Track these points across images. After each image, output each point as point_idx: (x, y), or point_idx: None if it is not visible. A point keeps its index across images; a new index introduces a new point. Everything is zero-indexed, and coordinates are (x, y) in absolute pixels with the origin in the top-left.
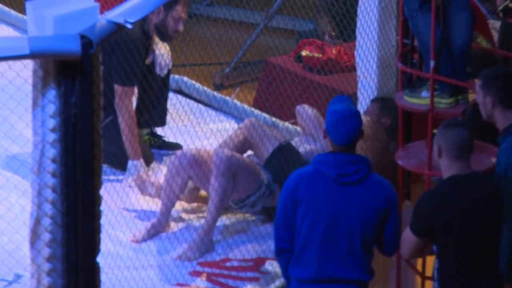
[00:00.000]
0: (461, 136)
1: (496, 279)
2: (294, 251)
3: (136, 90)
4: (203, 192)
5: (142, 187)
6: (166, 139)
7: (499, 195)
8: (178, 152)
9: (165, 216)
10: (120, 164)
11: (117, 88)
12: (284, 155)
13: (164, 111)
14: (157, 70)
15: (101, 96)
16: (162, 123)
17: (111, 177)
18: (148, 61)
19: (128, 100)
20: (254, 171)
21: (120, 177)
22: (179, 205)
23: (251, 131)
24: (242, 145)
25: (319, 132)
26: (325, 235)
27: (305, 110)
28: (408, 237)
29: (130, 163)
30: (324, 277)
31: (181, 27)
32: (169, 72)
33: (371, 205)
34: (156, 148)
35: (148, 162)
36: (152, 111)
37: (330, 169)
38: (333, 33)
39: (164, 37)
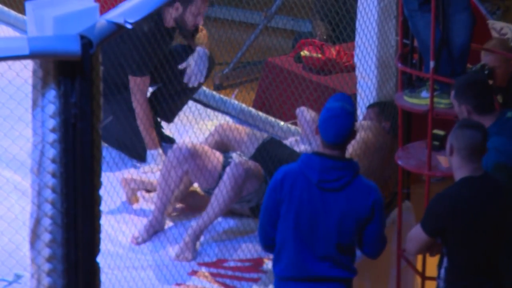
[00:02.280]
0: (474, 138)
1: (505, 280)
2: (275, 248)
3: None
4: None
5: (129, 190)
6: (163, 131)
7: (509, 197)
8: (174, 146)
9: (161, 211)
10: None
11: (130, 79)
12: (269, 150)
13: (176, 110)
14: (185, 79)
15: (101, 96)
16: (167, 119)
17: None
18: (182, 66)
19: (141, 92)
20: (259, 175)
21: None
22: (178, 205)
23: (223, 136)
24: (218, 149)
25: (316, 137)
26: (302, 236)
27: (305, 113)
28: (418, 235)
29: (148, 153)
30: (303, 275)
31: (201, 21)
32: (204, 78)
33: (351, 213)
34: None
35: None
36: (164, 104)
37: (313, 174)
38: (324, 37)
39: (183, 32)
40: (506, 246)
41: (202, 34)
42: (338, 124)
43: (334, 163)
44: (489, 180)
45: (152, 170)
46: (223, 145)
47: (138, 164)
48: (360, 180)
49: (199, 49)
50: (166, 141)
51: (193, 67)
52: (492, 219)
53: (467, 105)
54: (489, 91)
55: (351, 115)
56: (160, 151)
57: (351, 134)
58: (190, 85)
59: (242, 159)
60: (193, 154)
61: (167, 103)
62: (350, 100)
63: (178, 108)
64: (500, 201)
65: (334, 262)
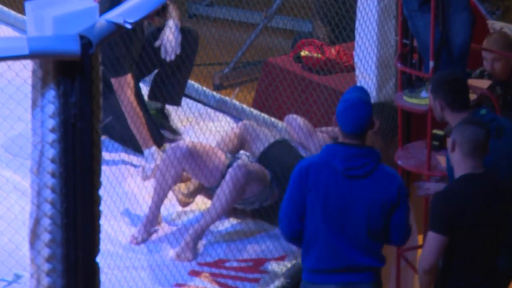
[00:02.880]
0: (477, 134)
1: (503, 279)
2: (303, 241)
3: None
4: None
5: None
6: (172, 122)
7: (509, 196)
8: (173, 144)
9: (158, 205)
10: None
11: (113, 82)
12: (280, 149)
13: (179, 90)
14: (162, 55)
15: (101, 96)
16: (175, 102)
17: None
18: (157, 44)
19: (124, 91)
20: (264, 178)
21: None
22: (179, 206)
23: (245, 133)
24: (236, 146)
25: (309, 140)
26: (333, 226)
27: (295, 120)
28: (433, 241)
29: (146, 152)
30: (336, 265)
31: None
32: (193, 53)
33: (377, 198)
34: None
35: (157, 144)
36: (166, 88)
37: (338, 162)
38: (326, 40)
39: (148, 16)
40: (505, 246)
41: (170, 8)
42: (356, 114)
43: (357, 150)
44: (490, 178)
45: (153, 170)
46: (241, 142)
47: (136, 159)
48: (383, 167)
49: (168, 22)
50: (170, 132)
51: (165, 41)
52: (492, 218)
53: (441, 100)
54: (465, 89)
55: (368, 104)
56: (156, 147)
57: (370, 123)
58: (168, 59)
59: (246, 161)
60: (193, 154)
61: (172, 86)
62: (366, 91)
63: (182, 87)
64: (501, 199)
65: (366, 250)
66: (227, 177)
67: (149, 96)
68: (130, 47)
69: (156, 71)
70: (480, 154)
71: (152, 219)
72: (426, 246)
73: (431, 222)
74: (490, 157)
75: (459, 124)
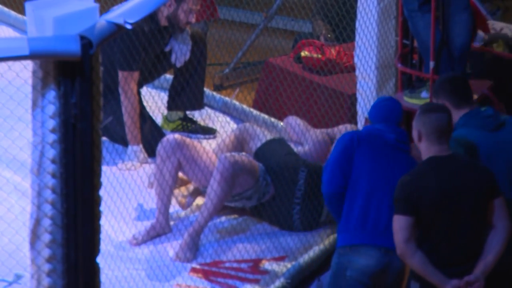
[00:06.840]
0: (440, 121)
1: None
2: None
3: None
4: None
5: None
6: (200, 123)
7: (482, 177)
8: (164, 139)
9: (164, 215)
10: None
11: (120, 73)
12: (274, 145)
13: (200, 94)
14: (173, 60)
15: (101, 96)
16: (199, 106)
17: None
18: (166, 49)
19: (128, 85)
20: (253, 169)
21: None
22: (178, 206)
23: (245, 133)
24: (236, 147)
25: (307, 135)
26: (377, 195)
27: (294, 120)
28: (398, 222)
29: (129, 148)
30: (377, 227)
31: (192, 19)
32: (202, 55)
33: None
34: (190, 133)
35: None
36: (186, 94)
37: (389, 134)
38: (329, 35)
39: (175, 29)
40: (477, 229)
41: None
42: (390, 105)
43: (398, 129)
44: (457, 159)
45: (134, 166)
46: (241, 143)
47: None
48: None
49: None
50: (204, 132)
51: (176, 47)
52: (459, 197)
53: (443, 100)
54: (465, 86)
55: (399, 103)
56: (141, 147)
57: (402, 118)
58: (178, 65)
59: (232, 154)
60: (181, 145)
61: (191, 92)
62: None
63: (200, 91)
64: (468, 180)
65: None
66: (214, 172)
67: (169, 107)
68: (148, 49)
69: (163, 78)
70: (446, 138)
71: (159, 229)
72: (394, 232)
73: (395, 206)
74: (484, 150)
75: (419, 113)
